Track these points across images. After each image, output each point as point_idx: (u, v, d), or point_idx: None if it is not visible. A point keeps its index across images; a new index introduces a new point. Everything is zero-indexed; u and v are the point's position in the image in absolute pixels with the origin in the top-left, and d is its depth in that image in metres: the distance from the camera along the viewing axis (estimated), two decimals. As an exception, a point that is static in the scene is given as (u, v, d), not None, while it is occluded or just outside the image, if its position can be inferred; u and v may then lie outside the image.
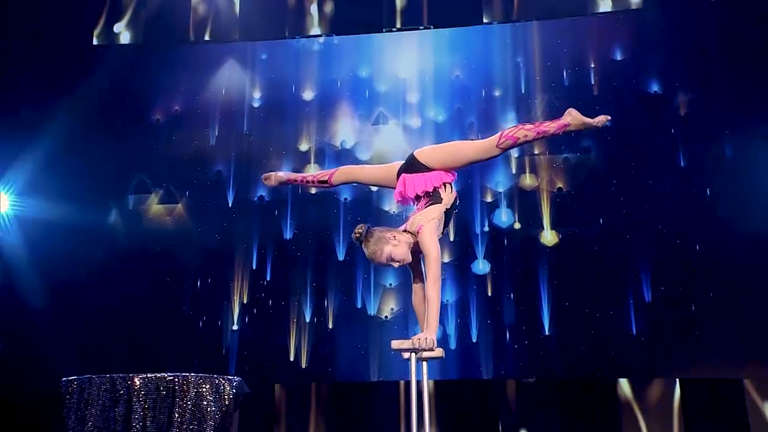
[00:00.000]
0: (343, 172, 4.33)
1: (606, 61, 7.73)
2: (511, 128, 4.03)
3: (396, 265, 3.86)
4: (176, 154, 8.08)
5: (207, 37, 8.24)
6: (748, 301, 6.83)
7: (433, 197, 3.97)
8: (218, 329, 7.62)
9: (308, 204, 7.88)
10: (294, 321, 7.59)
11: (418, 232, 3.85)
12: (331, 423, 7.13)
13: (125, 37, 8.30)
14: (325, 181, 4.32)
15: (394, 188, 4.12)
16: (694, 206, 7.21)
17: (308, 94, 8.13)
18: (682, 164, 7.35)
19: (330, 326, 7.56)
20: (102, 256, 7.69)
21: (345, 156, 7.88)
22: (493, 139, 4.03)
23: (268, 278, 7.72)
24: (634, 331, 7.08)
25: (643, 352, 7.01)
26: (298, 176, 4.51)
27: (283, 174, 4.45)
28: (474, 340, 7.35)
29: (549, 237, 7.48)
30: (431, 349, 3.59)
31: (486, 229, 7.57)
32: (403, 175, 4.05)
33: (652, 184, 7.22)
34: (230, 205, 7.93)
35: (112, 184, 7.97)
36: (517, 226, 7.54)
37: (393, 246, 3.82)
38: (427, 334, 3.60)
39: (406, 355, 3.66)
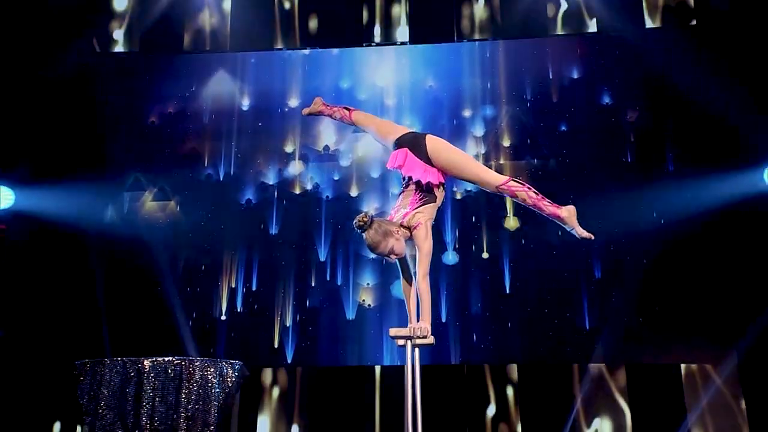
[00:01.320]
0: (363, 116, 4.55)
1: (564, 79, 8.25)
2: (518, 184, 4.19)
3: (392, 258, 4.07)
4: (169, 155, 8.38)
5: (199, 48, 8.52)
6: (684, 299, 7.47)
7: (427, 194, 4.10)
8: (208, 320, 7.95)
9: (292, 204, 8.26)
10: (278, 313, 7.94)
11: (415, 227, 4.01)
12: (313, 403, 7.57)
13: (123, 46, 8.53)
14: (349, 112, 4.53)
15: (386, 146, 4.29)
16: (641, 216, 7.71)
17: (293, 102, 8.50)
18: (631, 177, 7.84)
19: (312, 319, 7.96)
20: (98, 249, 8.00)
21: (327, 159, 8.32)
22: (497, 180, 4.19)
23: (255, 273, 8.06)
24: (587, 324, 7.61)
25: (594, 342, 7.54)
26: (328, 106, 4.66)
27: (320, 101, 4.67)
28: (443, 320, 7.75)
29: (512, 222, 8.02)
30: (425, 337, 3.94)
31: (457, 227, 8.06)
32: (406, 149, 4.13)
33: (603, 203, 7.69)
34: (219, 206, 8.26)
35: (109, 181, 8.25)
36: (484, 217, 8.06)
37: (396, 240, 3.97)
38: (423, 323, 3.93)
39: (400, 341, 3.97)
